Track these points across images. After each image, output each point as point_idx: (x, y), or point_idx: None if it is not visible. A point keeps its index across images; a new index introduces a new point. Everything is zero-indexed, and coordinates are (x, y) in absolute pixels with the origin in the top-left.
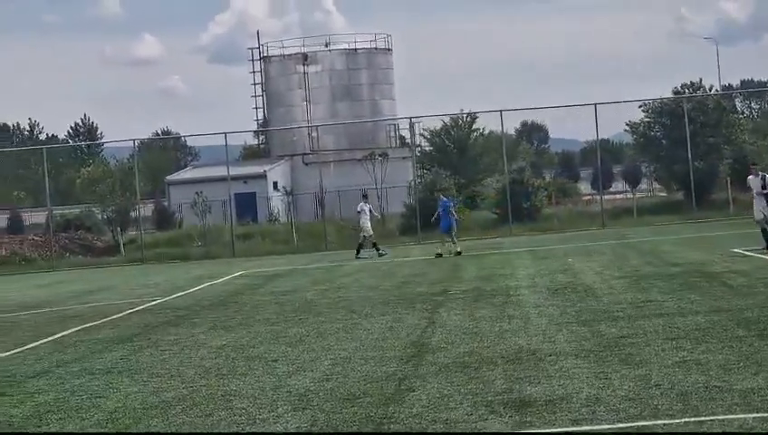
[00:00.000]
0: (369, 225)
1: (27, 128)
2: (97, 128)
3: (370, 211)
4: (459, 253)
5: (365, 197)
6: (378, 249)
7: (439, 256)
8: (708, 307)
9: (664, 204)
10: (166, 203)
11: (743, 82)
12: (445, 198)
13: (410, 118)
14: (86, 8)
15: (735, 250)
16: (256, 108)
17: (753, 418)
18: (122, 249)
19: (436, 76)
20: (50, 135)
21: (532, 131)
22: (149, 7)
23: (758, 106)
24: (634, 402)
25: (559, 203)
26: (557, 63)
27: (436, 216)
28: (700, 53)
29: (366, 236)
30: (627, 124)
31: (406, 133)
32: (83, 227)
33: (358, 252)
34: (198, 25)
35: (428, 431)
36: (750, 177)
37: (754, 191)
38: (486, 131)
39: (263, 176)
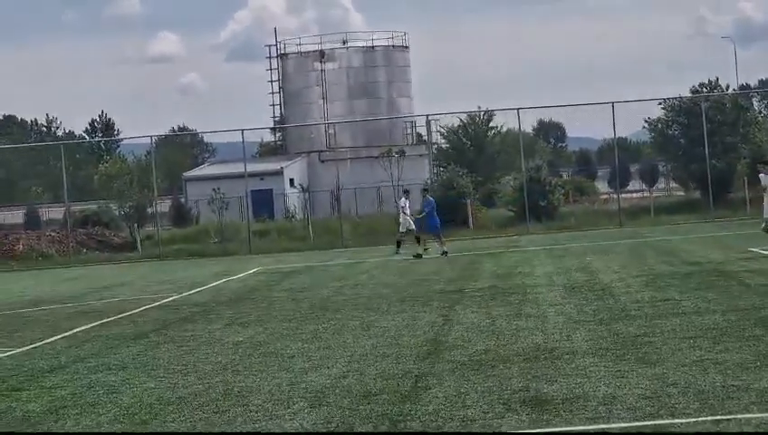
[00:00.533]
0: (411, 220)
1: (45, 124)
2: (114, 124)
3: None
4: (420, 256)
5: (406, 193)
6: (398, 247)
7: (445, 253)
8: (726, 306)
9: (681, 203)
10: (183, 199)
11: (760, 82)
12: (432, 198)
13: (427, 115)
14: (105, 6)
15: (753, 249)
16: (273, 105)
17: None
18: (139, 245)
19: (453, 74)
20: (67, 131)
21: (550, 130)
22: (168, 5)
23: None
24: (651, 401)
25: (576, 201)
26: (574, 63)
27: (423, 215)
28: (717, 53)
29: (404, 232)
30: (645, 121)
31: (423, 131)
32: (100, 223)
33: (419, 245)
34: (216, 23)
35: (445, 429)
36: (762, 174)
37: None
38: (504, 129)
39: (279, 173)
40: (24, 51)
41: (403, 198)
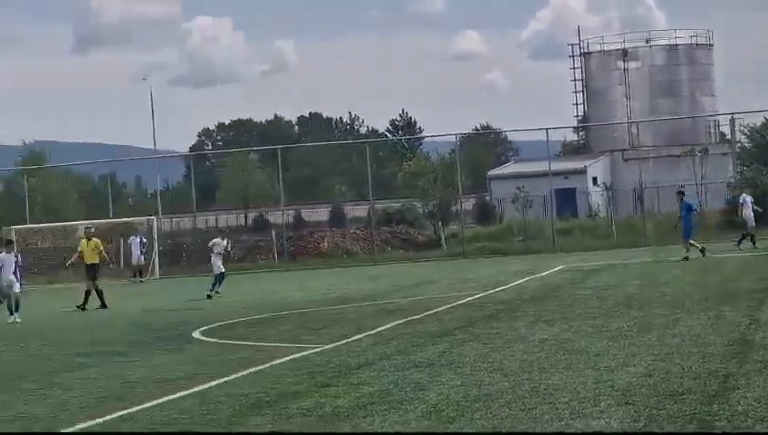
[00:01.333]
0: (752, 216)
1: (348, 121)
2: (415, 122)
3: (752, 203)
4: (687, 258)
5: (746, 189)
6: (753, 242)
7: (686, 259)
8: None
9: None
10: (487, 197)
11: None
12: (687, 202)
13: (731, 114)
14: (409, 4)
15: None
16: (576, 104)
17: None
18: (444, 243)
19: (758, 71)
20: (370, 129)
21: None
22: (471, 3)
23: None
24: None
25: None
26: None
27: (679, 218)
28: None
29: (751, 226)
30: None
31: (725, 130)
32: (404, 221)
33: (739, 242)
34: (518, 21)
35: (755, 430)
36: None
37: None
38: None
39: (583, 171)
40: (328, 47)
41: (744, 194)
